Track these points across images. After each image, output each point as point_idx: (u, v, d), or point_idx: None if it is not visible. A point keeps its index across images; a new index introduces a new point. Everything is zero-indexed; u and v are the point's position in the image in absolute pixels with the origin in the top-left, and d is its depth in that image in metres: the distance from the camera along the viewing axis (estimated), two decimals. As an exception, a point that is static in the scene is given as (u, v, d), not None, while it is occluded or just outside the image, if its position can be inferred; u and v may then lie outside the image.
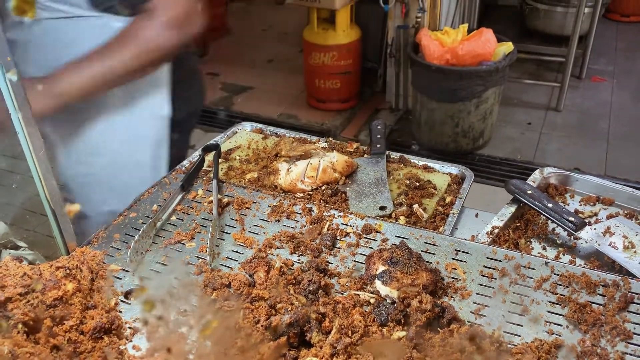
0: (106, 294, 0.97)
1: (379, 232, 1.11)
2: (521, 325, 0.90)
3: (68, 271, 0.95)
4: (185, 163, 1.39)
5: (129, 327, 0.93)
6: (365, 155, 1.42)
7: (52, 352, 0.85)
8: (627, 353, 0.84)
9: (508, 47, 3.30)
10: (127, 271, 1.04)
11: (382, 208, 1.21)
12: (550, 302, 0.94)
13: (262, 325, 0.86)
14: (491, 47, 3.20)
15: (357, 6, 3.84)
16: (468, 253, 1.04)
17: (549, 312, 0.92)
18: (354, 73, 4.00)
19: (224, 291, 0.95)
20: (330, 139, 1.51)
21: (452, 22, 4.16)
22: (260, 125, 1.59)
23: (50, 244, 1.14)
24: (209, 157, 1.39)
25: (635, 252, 1.07)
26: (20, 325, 0.84)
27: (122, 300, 0.98)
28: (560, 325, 0.90)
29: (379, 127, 1.48)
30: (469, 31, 3.32)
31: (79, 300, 0.93)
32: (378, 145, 1.41)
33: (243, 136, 1.55)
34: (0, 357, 0.79)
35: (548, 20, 4.61)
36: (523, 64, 4.41)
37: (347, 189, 1.28)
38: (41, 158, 0.98)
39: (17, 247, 1.12)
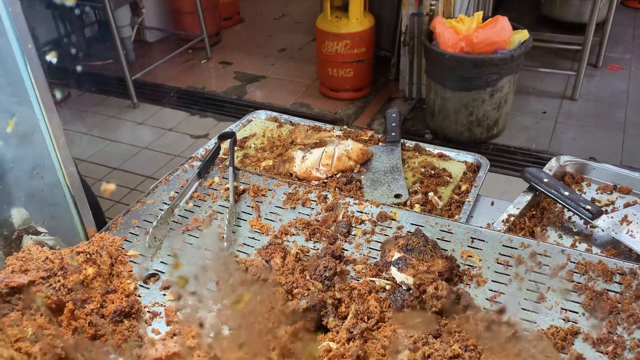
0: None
1: (394, 220, 1.12)
2: (537, 313, 0.91)
3: (88, 256, 0.97)
4: (201, 151, 1.40)
5: (148, 311, 0.95)
6: (380, 144, 1.42)
7: (73, 335, 0.87)
8: (643, 341, 0.84)
9: (523, 35, 3.26)
10: (146, 256, 1.06)
11: (397, 196, 1.21)
12: (566, 289, 0.94)
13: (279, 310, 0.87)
14: (506, 35, 3.17)
15: (370, -6, 3.81)
16: (484, 241, 1.05)
17: (565, 299, 0.92)
18: (367, 61, 3.98)
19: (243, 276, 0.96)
20: (345, 127, 1.51)
21: (467, 10, 4.11)
22: (274, 114, 1.60)
23: (68, 230, 1.16)
24: (225, 145, 1.40)
25: (652, 240, 1.07)
26: (43, 308, 0.86)
27: (141, 285, 1.00)
28: (577, 313, 0.90)
29: (393, 115, 1.48)
30: (484, 19, 3.29)
31: (99, 284, 0.95)
32: (393, 134, 1.41)
33: (258, 124, 1.56)
34: (24, 338, 0.81)
35: (564, 7, 4.55)
36: (538, 52, 4.35)
37: (362, 176, 1.28)
38: (61, 145, 0.99)
39: (37, 233, 1.14)
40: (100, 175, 3.47)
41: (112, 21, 4.01)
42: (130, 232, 1.12)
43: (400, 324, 0.86)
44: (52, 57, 0.91)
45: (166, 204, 1.19)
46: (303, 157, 1.30)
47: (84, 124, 4.06)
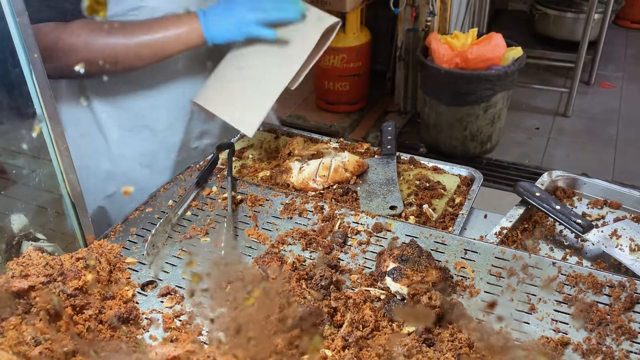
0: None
1: (390, 231, 1.14)
2: (528, 323, 0.93)
3: (88, 262, 0.98)
4: (200, 161, 1.42)
5: (146, 318, 0.96)
6: (376, 156, 1.44)
7: (72, 340, 0.88)
8: (631, 352, 0.86)
9: (517, 52, 3.31)
10: (144, 264, 1.07)
11: (393, 207, 1.23)
12: (557, 301, 0.96)
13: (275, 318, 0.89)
14: (500, 51, 3.22)
15: (367, 9, 3.86)
16: (477, 252, 1.07)
17: (555, 310, 0.94)
18: (363, 75, 4.02)
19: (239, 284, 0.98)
20: (341, 139, 1.53)
21: (462, 26, 4.17)
22: (272, 125, 1.62)
23: (66, 239, 1.17)
24: (223, 155, 1.42)
25: (641, 254, 1.09)
26: (42, 313, 0.87)
27: (139, 292, 1.01)
28: (567, 324, 0.92)
29: (389, 128, 1.51)
30: (479, 35, 3.34)
31: (97, 290, 0.96)
32: (389, 147, 1.44)
33: (255, 136, 1.57)
34: (24, 342, 0.82)
35: (558, 25, 4.62)
36: (532, 69, 4.42)
37: (358, 188, 1.30)
38: (63, 152, 1.01)
39: (36, 239, 1.15)
40: (96, 184, 3.46)
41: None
42: (128, 240, 1.14)
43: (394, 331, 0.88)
44: (80, 68, 0.93)
45: (164, 212, 1.20)
46: (300, 169, 1.32)
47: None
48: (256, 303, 0.82)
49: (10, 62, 0.92)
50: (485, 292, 0.99)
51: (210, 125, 1.56)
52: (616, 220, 1.22)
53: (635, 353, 0.86)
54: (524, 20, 5.02)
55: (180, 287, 1.02)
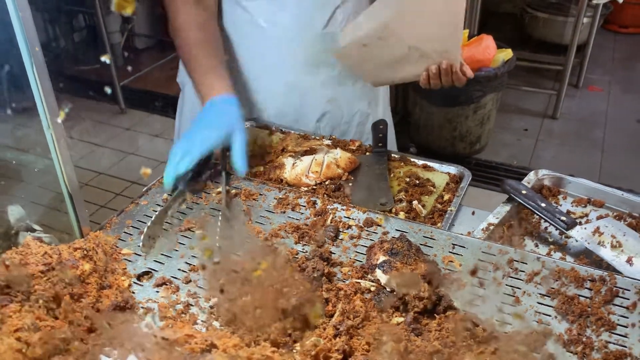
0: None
1: (380, 226, 1.17)
2: (512, 315, 0.96)
3: (85, 252, 1.00)
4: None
5: (142, 307, 0.98)
6: (368, 153, 1.48)
7: (70, 327, 0.90)
8: (610, 342, 0.90)
9: (507, 54, 3.36)
10: (139, 255, 1.09)
11: (383, 204, 1.26)
12: (540, 294, 0.99)
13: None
14: (491, 53, 3.26)
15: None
16: (464, 247, 1.10)
17: (539, 303, 0.98)
18: (355, 75, 4.05)
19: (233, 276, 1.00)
20: (334, 136, 1.56)
21: (453, 28, 4.21)
22: (266, 122, 1.64)
23: (64, 228, 1.19)
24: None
25: (622, 251, 1.13)
26: (41, 301, 0.89)
27: (135, 282, 1.03)
28: (549, 316, 0.96)
29: (380, 126, 1.54)
30: (470, 37, 3.38)
31: (95, 280, 0.99)
32: (380, 144, 1.47)
33: (249, 132, 1.60)
34: (24, 328, 0.84)
35: (547, 28, 4.69)
36: (521, 71, 4.47)
37: (350, 184, 1.33)
38: (62, 145, 1.03)
39: (32, 230, 1.17)
40: (86, 180, 3.48)
41: (103, 27, 4.03)
42: (124, 232, 1.16)
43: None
44: (106, 58, 0.97)
45: (159, 205, 1.23)
46: (293, 164, 1.35)
47: (71, 129, 4.06)
48: (264, 274, 0.85)
49: (12, 55, 0.94)
50: (472, 285, 1.02)
51: None
52: (599, 218, 1.26)
53: (614, 343, 0.90)
54: (514, 23, 5.08)
55: (176, 278, 1.04)
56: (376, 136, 1.51)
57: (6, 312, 0.85)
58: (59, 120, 0.97)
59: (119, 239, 1.14)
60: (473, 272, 1.01)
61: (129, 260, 1.08)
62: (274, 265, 0.89)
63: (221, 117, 1.32)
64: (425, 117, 3.57)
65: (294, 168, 1.34)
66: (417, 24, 1.31)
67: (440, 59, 1.37)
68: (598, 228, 1.19)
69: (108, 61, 1.38)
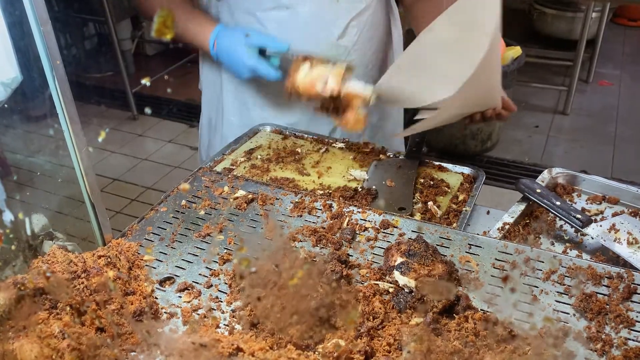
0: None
1: (396, 227, 1.18)
2: (531, 314, 0.97)
3: (109, 259, 1.02)
4: (210, 162, 1.46)
5: (165, 312, 1.00)
6: (400, 157, 1.48)
7: (96, 333, 0.92)
8: (629, 339, 0.91)
9: (516, 51, 3.36)
10: (161, 261, 1.12)
11: (401, 209, 1.27)
12: (558, 292, 1.00)
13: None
14: (500, 51, 3.26)
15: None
16: (480, 247, 1.11)
17: (557, 301, 0.99)
18: (364, 76, 4.06)
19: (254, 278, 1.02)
20: (346, 139, 1.57)
21: (461, 26, 4.21)
22: (280, 127, 1.66)
23: (86, 236, 1.21)
24: (233, 156, 1.46)
25: (639, 247, 1.14)
26: (68, 308, 0.92)
27: (157, 288, 1.06)
28: (568, 314, 0.96)
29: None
30: (478, 35, 3.38)
31: (118, 286, 1.01)
32: (414, 149, 1.47)
33: (263, 136, 1.62)
34: (52, 336, 0.86)
35: (556, 24, 4.67)
36: (531, 68, 4.46)
37: (374, 186, 1.34)
38: (84, 155, 1.05)
39: (56, 238, 1.20)
40: (101, 187, 3.51)
41: (114, 34, 4.08)
42: (145, 238, 1.18)
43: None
44: (146, 81, 1.00)
45: (178, 211, 1.25)
46: (310, 69, 1.27)
47: (84, 136, 4.10)
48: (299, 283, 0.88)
49: (34, 68, 0.97)
50: (489, 284, 1.03)
51: None
52: (614, 215, 1.26)
53: (633, 340, 0.90)
54: (522, 19, 5.07)
55: (197, 283, 1.06)
56: (412, 140, 1.50)
57: (35, 320, 0.87)
58: (100, 139, 1.00)
59: (140, 245, 1.16)
60: (505, 279, 1.01)
61: (151, 267, 1.10)
62: (309, 274, 0.90)
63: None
64: (436, 116, 3.57)
65: (310, 72, 1.26)
66: (465, 98, 1.25)
67: (485, 108, 1.37)
68: (614, 225, 1.19)
69: (148, 83, 1.46)
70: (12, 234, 1.02)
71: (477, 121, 1.41)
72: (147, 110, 3.92)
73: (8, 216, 0.94)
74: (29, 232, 1.16)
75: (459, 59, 1.18)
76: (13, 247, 1.03)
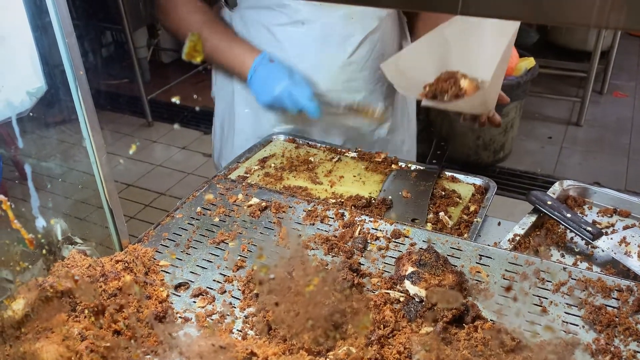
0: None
1: (407, 237, 1.20)
2: (540, 325, 0.98)
3: (126, 264, 1.05)
4: (225, 170, 1.49)
5: (180, 317, 1.02)
6: (420, 168, 1.49)
7: (113, 336, 0.95)
8: (638, 352, 0.91)
9: (530, 62, 3.36)
10: (176, 267, 1.14)
11: (414, 220, 1.28)
12: (567, 304, 1.01)
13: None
14: (513, 62, 3.27)
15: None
16: (491, 258, 1.12)
17: (566, 313, 1.00)
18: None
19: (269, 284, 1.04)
20: (359, 148, 1.59)
21: (475, 37, 4.22)
22: (293, 135, 1.69)
23: (103, 241, 1.24)
24: (247, 164, 1.48)
25: (649, 260, 1.14)
26: (86, 311, 0.94)
27: (173, 293, 1.08)
28: (577, 325, 0.97)
29: (442, 143, 1.57)
30: (492, 46, 3.39)
31: (135, 291, 1.03)
32: (434, 161, 1.49)
33: (277, 145, 1.65)
34: (71, 337, 0.89)
35: (570, 35, 4.67)
36: (544, 79, 4.46)
37: (390, 196, 1.35)
38: (103, 162, 1.08)
39: (75, 243, 1.23)
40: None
41: (131, 42, 4.14)
42: (161, 244, 1.21)
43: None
44: (176, 99, 1.04)
45: (194, 218, 1.27)
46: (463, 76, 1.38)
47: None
48: (313, 290, 0.89)
49: (57, 77, 1.00)
50: (499, 295, 1.04)
51: None
52: (625, 228, 1.27)
53: (642, 353, 0.91)
54: (536, 29, 5.06)
55: (211, 289, 1.08)
56: (434, 152, 1.52)
57: (55, 322, 0.90)
58: (131, 152, 1.03)
59: (157, 251, 1.18)
60: (508, 289, 1.03)
61: (167, 272, 1.13)
62: (323, 281, 0.92)
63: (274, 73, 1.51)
64: (448, 126, 3.58)
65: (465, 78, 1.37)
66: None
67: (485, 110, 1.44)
68: (624, 238, 1.20)
69: (178, 102, 1.55)
70: (43, 239, 1.05)
71: (469, 120, 1.48)
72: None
73: (41, 222, 0.97)
74: (54, 237, 1.19)
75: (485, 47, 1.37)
76: (44, 252, 1.06)
